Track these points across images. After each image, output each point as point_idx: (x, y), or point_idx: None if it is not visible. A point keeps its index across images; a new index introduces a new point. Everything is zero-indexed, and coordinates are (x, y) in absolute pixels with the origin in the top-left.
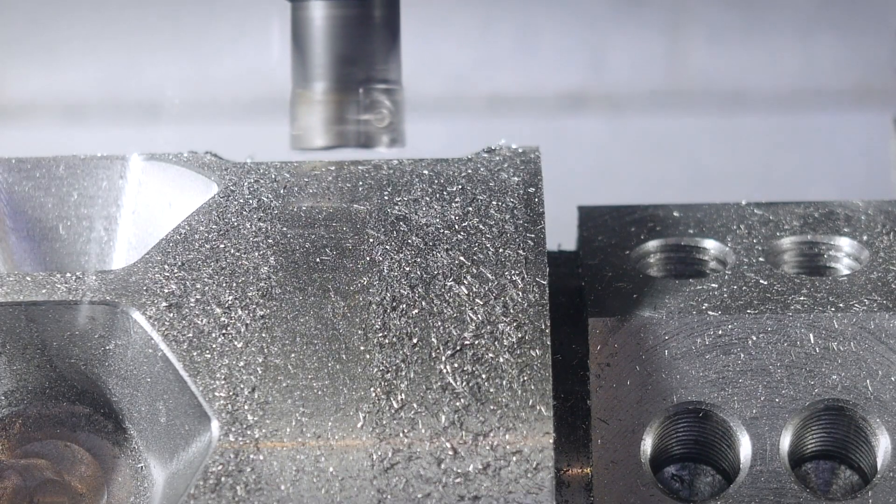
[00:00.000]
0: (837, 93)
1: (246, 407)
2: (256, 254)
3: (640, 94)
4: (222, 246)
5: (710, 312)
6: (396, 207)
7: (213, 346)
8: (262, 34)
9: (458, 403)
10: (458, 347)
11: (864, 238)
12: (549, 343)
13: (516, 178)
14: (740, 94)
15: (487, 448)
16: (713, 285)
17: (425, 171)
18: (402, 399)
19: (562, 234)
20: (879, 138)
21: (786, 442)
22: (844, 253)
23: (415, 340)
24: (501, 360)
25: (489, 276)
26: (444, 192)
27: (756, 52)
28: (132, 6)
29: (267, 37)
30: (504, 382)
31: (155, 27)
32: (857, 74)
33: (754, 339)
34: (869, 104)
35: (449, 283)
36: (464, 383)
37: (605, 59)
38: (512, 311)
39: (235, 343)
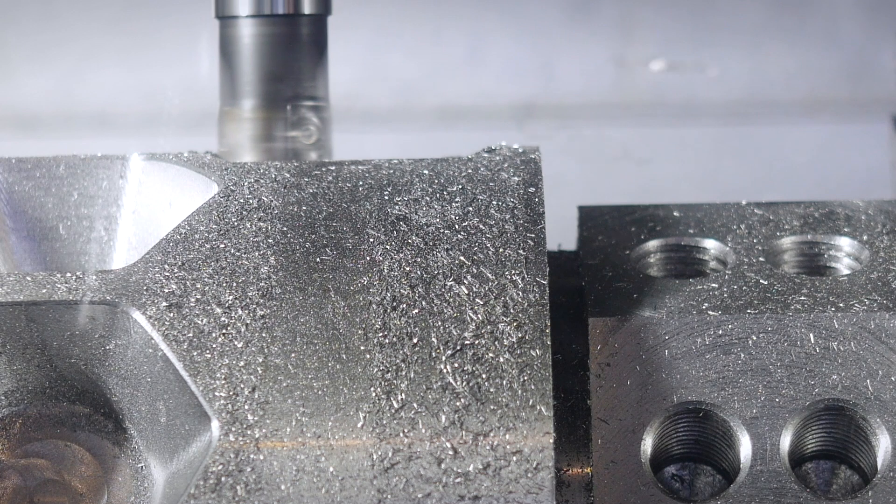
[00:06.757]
0: (787, 104)
1: (246, 407)
2: (256, 254)
3: (590, 105)
4: (222, 246)
5: (710, 312)
6: (396, 207)
7: (214, 345)
8: (195, 49)
9: (458, 403)
10: (458, 347)
11: (864, 238)
12: (549, 343)
13: (516, 178)
14: (690, 105)
15: (487, 448)
16: (713, 285)
17: (425, 171)
18: (402, 399)
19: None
20: (829, 149)
21: (786, 442)
22: (844, 253)
23: (415, 340)
24: (501, 359)
25: (489, 275)
26: (445, 192)
27: (706, 62)
28: (82, 19)
29: (197, 53)
30: (504, 382)
31: (104, 39)
32: (807, 85)
33: (754, 338)
34: (819, 115)
35: (449, 283)
36: (464, 383)
37: (555, 70)
38: (512, 310)
39: (235, 343)
